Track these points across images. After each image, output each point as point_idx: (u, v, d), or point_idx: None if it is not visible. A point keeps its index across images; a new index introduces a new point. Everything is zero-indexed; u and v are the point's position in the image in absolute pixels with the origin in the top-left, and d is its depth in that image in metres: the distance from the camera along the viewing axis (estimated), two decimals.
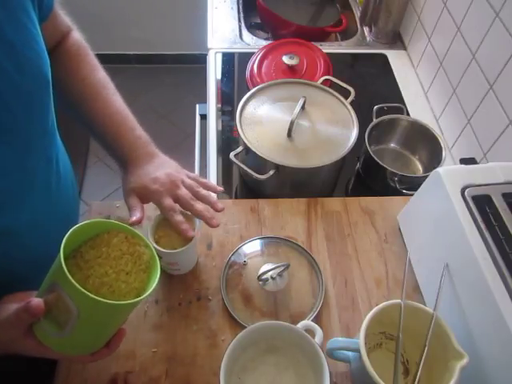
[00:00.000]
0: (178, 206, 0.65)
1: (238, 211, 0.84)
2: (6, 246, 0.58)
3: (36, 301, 0.45)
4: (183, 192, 0.65)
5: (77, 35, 0.73)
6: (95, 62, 0.73)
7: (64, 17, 0.70)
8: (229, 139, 1.06)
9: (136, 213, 0.62)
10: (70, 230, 0.48)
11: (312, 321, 0.68)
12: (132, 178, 0.66)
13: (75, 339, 0.49)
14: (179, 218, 0.64)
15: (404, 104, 1.14)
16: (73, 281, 0.44)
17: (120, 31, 2.37)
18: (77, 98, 0.69)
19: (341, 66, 1.24)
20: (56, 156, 0.66)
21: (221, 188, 0.72)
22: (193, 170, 1.20)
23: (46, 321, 0.47)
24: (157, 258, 0.55)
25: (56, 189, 0.66)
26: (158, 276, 0.52)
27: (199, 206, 0.65)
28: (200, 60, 1.82)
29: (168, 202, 0.64)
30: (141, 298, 0.49)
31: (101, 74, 0.72)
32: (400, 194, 0.89)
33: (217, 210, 0.67)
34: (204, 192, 0.67)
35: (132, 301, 0.49)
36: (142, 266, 0.53)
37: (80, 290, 0.44)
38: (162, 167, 0.67)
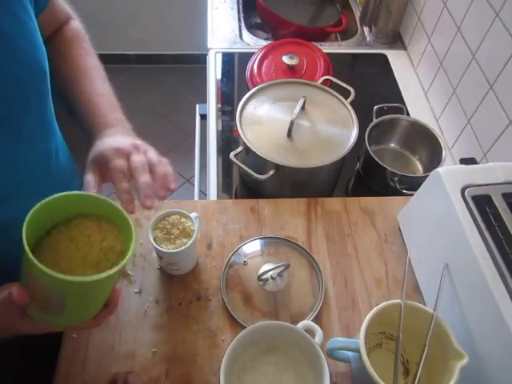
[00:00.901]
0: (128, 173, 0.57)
1: (237, 211, 0.84)
2: (6, 240, 0.58)
3: (17, 292, 0.45)
4: (139, 158, 0.56)
5: (76, 24, 0.73)
6: (90, 49, 0.72)
7: (63, 5, 0.71)
8: (229, 139, 1.06)
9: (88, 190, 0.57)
10: (30, 213, 0.47)
11: (312, 321, 0.68)
12: (96, 145, 0.60)
13: (71, 312, 0.49)
14: (125, 185, 0.56)
15: (404, 104, 1.14)
16: (44, 269, 0.43)
17: (120, 31, 2.37)
18: (63, 78, 0.67)
19: (341, 65, 1.24)
20: (55, 148, 0.66)
21: (174, 186, 0.62)
22: (193, 170, 1.20)
23: (36, 303, 0.47)
24: (127, 217, 0.51)
25: (56, 181, 0.66)
26: (134, 233, 0.49)
27: (146, 178, 0.55)
28: (200, 60, 1.82)
29: (121, 162, 0.56)
30: (122, 262, 0.47)
31: (93, 61, 0.70)
32: (400, 194, 0.89)
33: (168, 189, 0.57)
34: (162, 169, 0.58)
35: (113, 270, 0.46)
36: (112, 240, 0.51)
37: (54, 276, 0.43)
38: (131, 137, 0.62)
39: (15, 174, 0.56)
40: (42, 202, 0.48)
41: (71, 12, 0.73)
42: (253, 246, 0.79)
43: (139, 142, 0.60)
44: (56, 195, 0.49)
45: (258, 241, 0.79)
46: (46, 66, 0.58)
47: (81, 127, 0.66)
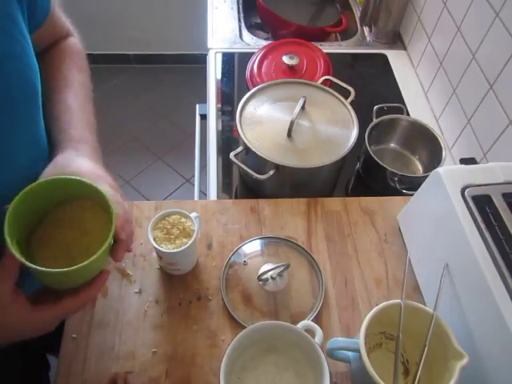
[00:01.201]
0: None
1: (238, 211, 0.84)
2: None
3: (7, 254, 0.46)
4: (119, 212, 0.53)
5: (74, 40, 0.72)
6: (83, 66, 0.71)
7: (64, 21, 0.70)
8: (229, 139, 1.06)
9: None
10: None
11: (312, 321, 0.68)
12: (62, 161, 0.56)
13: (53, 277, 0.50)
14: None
15: (404, 104, 1.14)
16: (20, 258, 0.45)
17: (120, 31, 2.37)
18: (48, 87, 0.64)
19: (341, 66, 1.24)
20: None
21: (132, 249, 0.61)
22: (193, 170, 1.20)
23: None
24: (109, 201, 0.50)
25: None
26: (113, 223, 0.50)
27: (122, 235, 0.53)
28: (200, 60, 1.82)
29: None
30: (93, 257, 0.47)
31: (83, 77, 0.69)
32: (400, 194, 0.89)
33: (129, 250, 0.57)
34: (131, 229, 0.57)
35: (82, 264, 0.46)
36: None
37: (27, 264, 0.45)
38: (105, 173, 0.59)
39: (3, 196, 0.52)
40: (31, 185, 0.49)
41: (71, 29, 0.72)
42: (253, 246, 0.79)
43: (116, 185, 0.58)
44: (43, 180, 0.51)
45: (258, 241, 0.79)
46: (39, 86, 0.56)
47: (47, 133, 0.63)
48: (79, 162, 0.56)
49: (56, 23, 0.68)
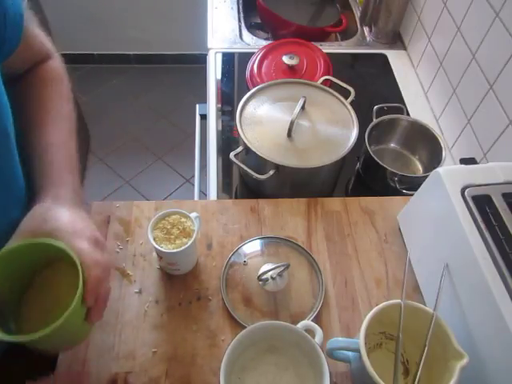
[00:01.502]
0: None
1: (238, 211, 0.84)
2: None
3: None
4: (100, 273, 0.50)
5: (56, 64, 0.68)
6: (66, 93, 0.67)
7: (43, 42, 0.66)
8: (229, 139, 1.06)
9: None
10: None
11: (312, 321, 0.68)
12: (43, 211, 0.53)
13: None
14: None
15: (404, 104, 1.14)
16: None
17: (120, 31, 2.37)
18: (28, 119, 0.61)
19: (341, 66, 1.24)
20: (23, 215, 0.56)
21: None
22: (193, 170, 1.20)
23: None
24: (78, 266, 0.48)
25: None
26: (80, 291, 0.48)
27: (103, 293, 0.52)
28: (200, 60, 1.82)
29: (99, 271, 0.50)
30: (57, 322, 0.45)
31: (66, 108, 0.65)
32: (400, 193, 0.89)
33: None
34: (107, 291, 0.54)
35: (41, 333, 0.44)
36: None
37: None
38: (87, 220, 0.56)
39: None
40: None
41: (53, 50, 0.68)
42: (253, 246, 0.79)
43: (97, 236, 0.55)
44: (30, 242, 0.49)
45: (258, 241, 0.79)
46: (9, 129, 0.54)
47: (25, 175, 0.61)
48: (58, 215, 0.53)
49: (33, 45, 0.63)
